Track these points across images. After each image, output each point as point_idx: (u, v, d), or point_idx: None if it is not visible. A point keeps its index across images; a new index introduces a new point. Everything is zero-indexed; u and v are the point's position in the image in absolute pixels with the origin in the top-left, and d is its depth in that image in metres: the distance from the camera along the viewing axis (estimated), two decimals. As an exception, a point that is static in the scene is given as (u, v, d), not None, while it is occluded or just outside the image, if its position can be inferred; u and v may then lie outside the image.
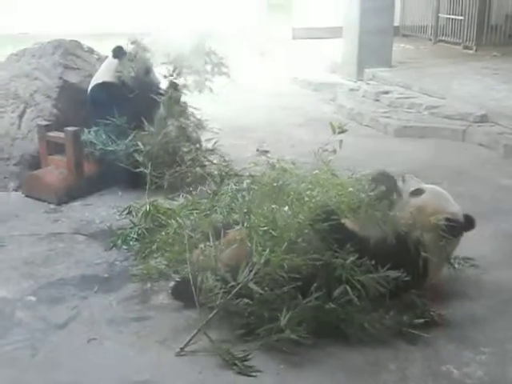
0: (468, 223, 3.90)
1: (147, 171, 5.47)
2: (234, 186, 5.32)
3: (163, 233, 4.61)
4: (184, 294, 3.91)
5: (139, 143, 5.68)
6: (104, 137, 5.77)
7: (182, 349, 3.50)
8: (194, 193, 5.36)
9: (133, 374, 3.35)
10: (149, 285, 4.20)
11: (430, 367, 3.39)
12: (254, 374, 3.33)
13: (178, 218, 4.56)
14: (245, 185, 5.23)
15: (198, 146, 6.14)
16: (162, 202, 5.15)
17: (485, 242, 4.23)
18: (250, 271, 3.60)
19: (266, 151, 3.79)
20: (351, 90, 9.82)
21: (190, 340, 3.52)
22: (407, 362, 3.43)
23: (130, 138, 5.74)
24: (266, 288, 3.57)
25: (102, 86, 6.00)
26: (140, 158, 5.60)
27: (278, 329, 3.47)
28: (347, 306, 3.58)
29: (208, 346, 3.49)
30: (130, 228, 4.83)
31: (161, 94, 6.01)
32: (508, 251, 4.70)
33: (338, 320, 3.59)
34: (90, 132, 5.80)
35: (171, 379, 3.32)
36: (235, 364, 3.37)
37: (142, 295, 4.10)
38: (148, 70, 6.10)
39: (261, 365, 3.38)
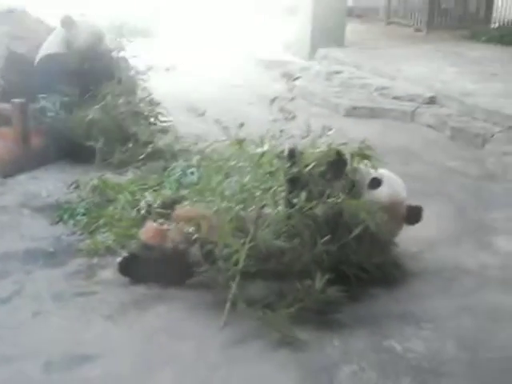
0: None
1: (98, 145, 5.38)
2: (183, 163, 5.32)
3: (111, 208, 4.61)
4: (131, 269, 3.91)
5: (93, 115, 5.59)
6: (58, 105, 5.68)
7: (225, 323, 3.48)
8: (143, 168, 5.33)
9: (78, 347, 3.33)
10: (95, 260, 4.17)
11: (372, 342, 3.45)
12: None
13: (126, 193, 4.55)
14: (194, 161, 5.23)
15: (150, 122, 6.09)
16: (111, 176, 5.11)
17: (429, 222, 4.31)
18: (267, 227, 3.57)
19: (203, 113, 3.79)
20: (303, 68, 9.83)
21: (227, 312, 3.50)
22: (351, 337, 3.49)
23: (82, 109, 5.65)
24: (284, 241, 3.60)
25: (50, 57, 5.88)
26: (92, 131, 5.52)
27: (312, 290, 3.50)
28: (344, 248, 3.68)
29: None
30: (78, 202, 4.79)
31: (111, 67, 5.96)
32: (451, 231, 4.80)
33: (339, 262, 3.68)
34: (42, 100, 5.69)
35: (117, 353, 3.31)
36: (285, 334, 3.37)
37: (89, 270, 4.07)
38: (99, 40, 6.00)
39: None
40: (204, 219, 3.72)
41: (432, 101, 7.97)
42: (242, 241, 3.58)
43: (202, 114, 3.80)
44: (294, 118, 3.74)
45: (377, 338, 3.49)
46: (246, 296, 3.54)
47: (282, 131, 3.77)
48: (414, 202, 4.12)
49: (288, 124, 3.76)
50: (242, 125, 3.83)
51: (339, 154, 3.85)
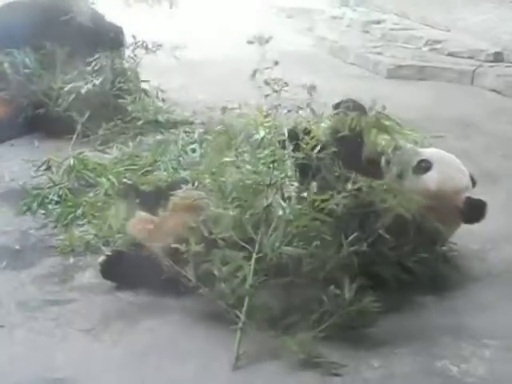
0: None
1: (79, 118, 5.42)
2: (185, 137, 5.33)
3: (91, 194, 4.65)
4: (116, 271, 3.93)
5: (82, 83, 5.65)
6: (32, 61, 5.71)
7: (237, 359, 3.37)
8: (131, 144, 5.34)
9: (50, 369, 3.33)
10: (72, 260, 4.19)
11: (421, 363, 3.43)
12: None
13: (110, 176, 4.57)
14: (196, 135, 5.24)
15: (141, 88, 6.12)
16: (91, 155, 5.13)
17: (494, 211, 4.27)
18: (273, 231, 3.51)
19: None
20: (333, 17, 9.80)
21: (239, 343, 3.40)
22: (394, 356, 3.47)
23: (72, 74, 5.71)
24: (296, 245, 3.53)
25: (11, 7, 5.91)
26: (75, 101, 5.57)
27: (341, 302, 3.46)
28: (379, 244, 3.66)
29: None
30: (49, 187, 4.82)
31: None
32: (521, 224, 4.79)
33: (373, 263, 3.66)
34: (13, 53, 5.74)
35: (98, 377, 3.31)
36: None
37: (63, 272, 4.09)
38: None
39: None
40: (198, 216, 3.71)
41: (498, 58, 7.94)
42: (243, 254, 3.51)
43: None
44: (282, 88, 3.69)
45: (426, 357, 3.48)
46: (260, 315, 3.49)
47: (277, 106, 3.74)
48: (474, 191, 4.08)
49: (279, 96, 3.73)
50: (225, 110, 3.83)
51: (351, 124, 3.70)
